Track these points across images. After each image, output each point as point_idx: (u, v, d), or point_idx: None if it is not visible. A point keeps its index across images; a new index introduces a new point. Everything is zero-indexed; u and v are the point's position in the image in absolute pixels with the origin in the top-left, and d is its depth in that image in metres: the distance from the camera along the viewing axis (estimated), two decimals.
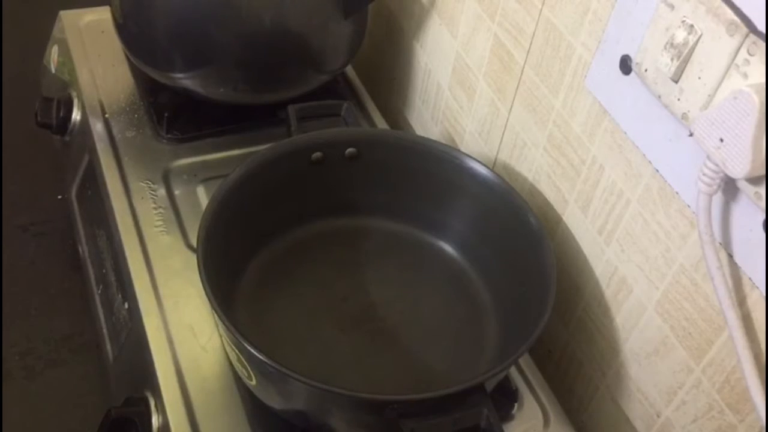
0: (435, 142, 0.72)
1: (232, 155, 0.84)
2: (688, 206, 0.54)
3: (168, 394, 0.64)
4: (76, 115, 0.91)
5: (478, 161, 0.70)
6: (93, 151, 0.84)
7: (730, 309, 0.49)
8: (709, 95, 0.48)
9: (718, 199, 0.50)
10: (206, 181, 0.81)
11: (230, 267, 0.66)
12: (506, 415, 0.67)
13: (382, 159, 0.72)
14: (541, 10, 0.66)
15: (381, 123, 0.92)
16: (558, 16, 0.64)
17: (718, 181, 0.48)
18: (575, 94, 0.64)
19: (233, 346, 0.58)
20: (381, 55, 1.01)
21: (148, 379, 0.66)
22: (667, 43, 0.50)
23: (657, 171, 0.57)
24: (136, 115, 0.87)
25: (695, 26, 0.48)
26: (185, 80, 0.82)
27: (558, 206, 0.70)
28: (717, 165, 0.47)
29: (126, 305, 0.73)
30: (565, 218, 0.69)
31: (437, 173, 0.71)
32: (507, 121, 0.75)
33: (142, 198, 0.78)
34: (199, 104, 0.85)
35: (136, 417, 0.64)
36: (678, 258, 0.57)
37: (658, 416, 0.62)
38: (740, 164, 0.45)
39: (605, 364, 0.68)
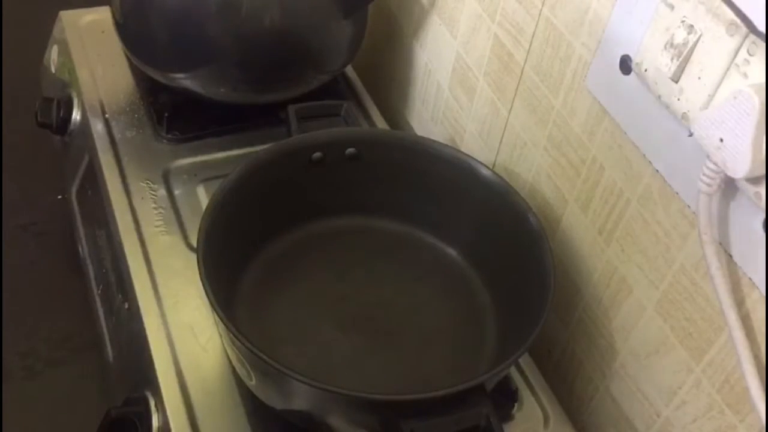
0: (435, 142, 0.72)
1: (232, 155, 0.84)
2: (688, 206, 0.54)
3: (168, 394, 0.64)
4: (76, 115, 0.91)
5: (478, 161, 0.70)
6: (93, 151, 0.84)
7: (730, 309, 0.49)
8: (709, 95, 0.48)
9: (718, 199, 0.50)
10: (206, 181, 0.81)
11: (230, 267, 0.66)
12: (506, 415, 0.67)
13: (382, 159, 0.72)
14: (541, 10, 0.66)
15: (381, 123, 0.92)
16: (558, 16, 0.64)
17: (718, 181, 0.48)
18: (575, 94, 0.64)
19: (233, 346, 0.58)
20: (381, 55, 1.01)
21: (148, 379, 0.66)
22: (667, 43, 0.50)
23: (657, 171, 0.57)
24: (136, 115, 0.87)
25: (695, 26, 0.48)
26: (185, 80, 0.82)
27: (558, 206, 0.70)
28: (717, 165, 0.47)
29: (126, 305, 0.73)
30: (565, 218, 0.69)
31: (437, 173, 0.71)
32: (507, 121, 0.75)
33: (142, 198, 0.78)
34: (199, 104, 0.85)
35: (136, 417, 0.64)
36: (678, 258, 0.57)
37: (658, 416, 0.62)
38: (740, 164, 0.45)
39: (605, 364, 0.68)
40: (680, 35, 0.49)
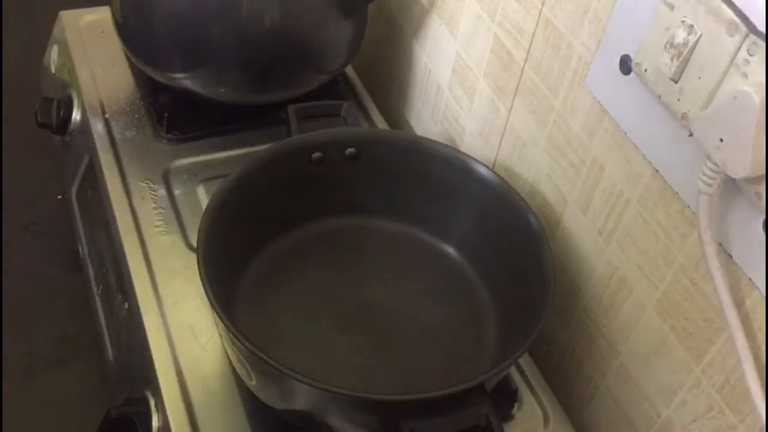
0: (435, 142, 0.72)
1: (232, 155, 0.84)
2: (688, 206, 0.54)
3: (168, 394, 0.64)
4: (76, 115, 0.91)
5: (478, 161, 0.70)
6: (93, 151, 0.84)
7: (730, 309, 0.49)
8: (709, 95, 0.48)
9: (718, 199, 0.50)
10: (206, 181, 0.81)
11: (230, 267, 0.66)
12: (506, 415, 0.67)
13: (382, 159, 0.72)
14: (541, 10, 0.66)
15: (381, 123, 0.92)
16: (558, 16, 0.64)
17: (718, 181, 0.48)
18: (575, 94, 0.64)
19: (233, 346, 0.58)
20: (381, 55, 1.01)
21: (148, 379, 0.66)
22: (667, 43, 0.50)
23: (657, 171, 0.57)
24: (136, 115, 0.87)
25: (695, 26, 0.48)
26: (185, 80, 0.82)
27: (558, 206, 0.70)
28: (717, 165, 0.47)
29: (126, 305, 0.73)
30: (565, 218, 0.69)
31: (437, 173, 0.71)
32: (507, 121, 0.75)
33: (142, 198, 0.78)
34: (199, 104, 0.85)
35: (136, 417, 0.64)
36: (678, 258, 0.57)
37: (658, 416, 0.62)
38: (740, 164, 0.45)
39: (605, 364, 0.68)
40: (680, 35, 0.49)
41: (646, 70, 0.53)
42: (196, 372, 0.65)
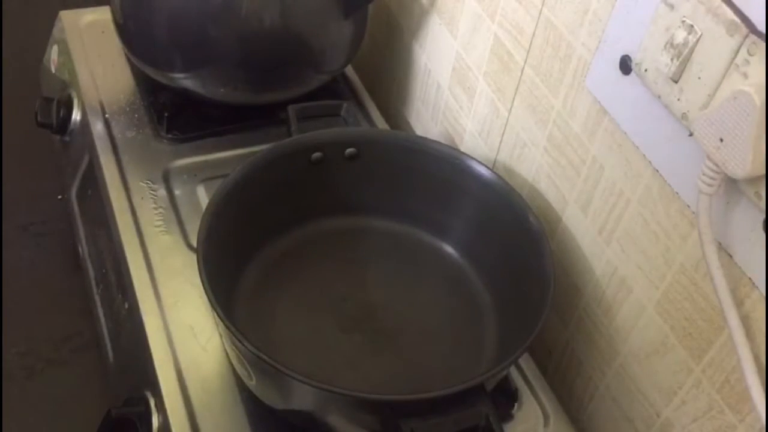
0: (435, 142, 0.72)
1: (232, 155, 0.84)
2: (688, 206, 0.54)
3: (168, 394, 0.64)
4: (76, 115, 0.91)
5: (478, 161, 0.70)
6: (93, 151, 0.84)
7: (730, 309, 0.49)
8: (709, 95, 0.48)
9: (718, 199, 0.50)
10: (206, 181, 0.81)
11: (230, 267, 0.66)
12: (506, 415, 0.67)
13: (382, 159, 0.72)
14: (541, 10, 0.66)
15: (381, 123, 0.92)
16: (558, 16, 0.64)
17: (718, 181, 0.48)
18: (575, 94, 0.64)
19: (233, 346, 0.58)
20: (381, 55, 1.01)
21: (148, 379, 0.66)
22: (667, 43, 0.50)
23: (657, 171, 0.57)
24: (136, 115, 0.87)
25: (695, 26, 0.48)
26: (185, 80, 0.82)
27: (558, 206, 0.70)
28: (717, 165, 0.47)
29: (126, 305, 0.73)
30: (565, 218, 0.69)
31: (437, 173, 0.71)
32: (507, 121, 0.75)
33: (142, 198, 0.78)
34: (199, 104, 0.85)
35: (136, 417, 0.64)
36: (678, 258, 0.57)
37: (658, 416, 0.62)
38: (740, 164, 0.45)
39: (605, 364, 0.68)
40: (680, 35, 0.49)
41: (646, 70, 0.53)
42: (196, 372, 0.65)
